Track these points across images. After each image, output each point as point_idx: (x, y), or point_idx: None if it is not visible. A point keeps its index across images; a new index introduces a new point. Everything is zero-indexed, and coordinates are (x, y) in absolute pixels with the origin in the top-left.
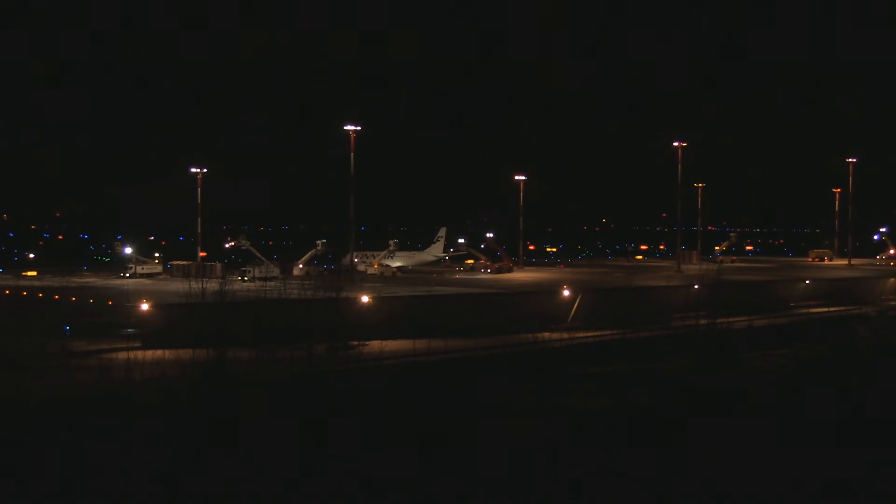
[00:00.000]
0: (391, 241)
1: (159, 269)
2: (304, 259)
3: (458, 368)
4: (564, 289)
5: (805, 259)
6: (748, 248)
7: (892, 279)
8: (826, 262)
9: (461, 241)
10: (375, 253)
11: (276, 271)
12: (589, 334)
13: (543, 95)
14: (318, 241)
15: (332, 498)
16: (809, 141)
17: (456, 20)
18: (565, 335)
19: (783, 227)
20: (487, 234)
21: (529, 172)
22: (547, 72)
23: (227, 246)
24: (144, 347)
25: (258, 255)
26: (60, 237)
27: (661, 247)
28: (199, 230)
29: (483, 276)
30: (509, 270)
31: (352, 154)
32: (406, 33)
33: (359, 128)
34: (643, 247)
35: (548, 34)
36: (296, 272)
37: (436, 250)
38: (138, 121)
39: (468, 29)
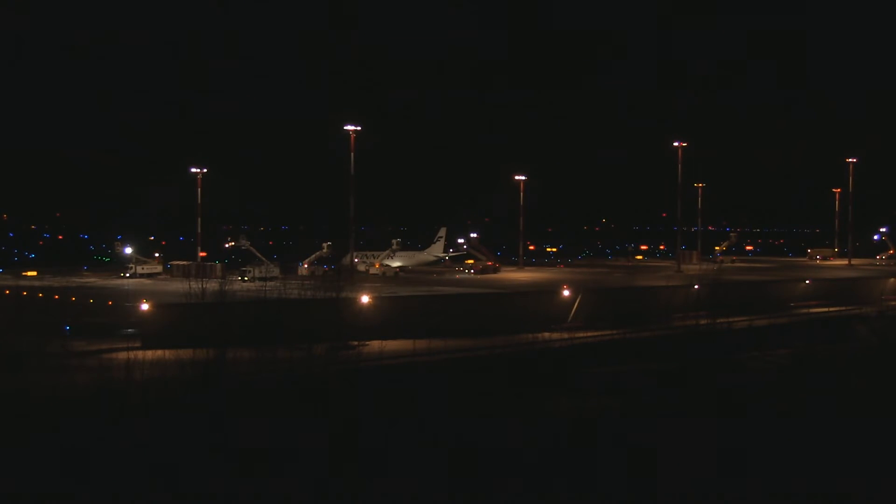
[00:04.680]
0: (394, 241)
1: (159, 269)
2: (308, 260)
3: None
4: (564, 289)
5: (805, 259)
6: (748, 248)
7: (892, 279)
8: (830, 262)
9: (461, 241)
10: (376, 253)
11: (276, 271)
12: (589, 334)
13: (543, 95)
14: (324, 244)
15: None
16: (810, 141)
17: (455, 20)
18: (565, 335)
19: (783, 227)
20: (472, 234)
21: (529, 172)
22: (546, 71)
23: (227, 246)
24: (144, 347)
25: (258, 255)
26: (60, 237)
27: (661, 247)
28: (199, 230)
29: (470, 276)
30: (495, 271)
31: (352, 154)
32: (405, 33)
33: (359, 128)
34: (643, 247)
35: (548, 34)
36: (300, 272)
37: (436, 250)
38: (139, 121)
39: (467, 29)
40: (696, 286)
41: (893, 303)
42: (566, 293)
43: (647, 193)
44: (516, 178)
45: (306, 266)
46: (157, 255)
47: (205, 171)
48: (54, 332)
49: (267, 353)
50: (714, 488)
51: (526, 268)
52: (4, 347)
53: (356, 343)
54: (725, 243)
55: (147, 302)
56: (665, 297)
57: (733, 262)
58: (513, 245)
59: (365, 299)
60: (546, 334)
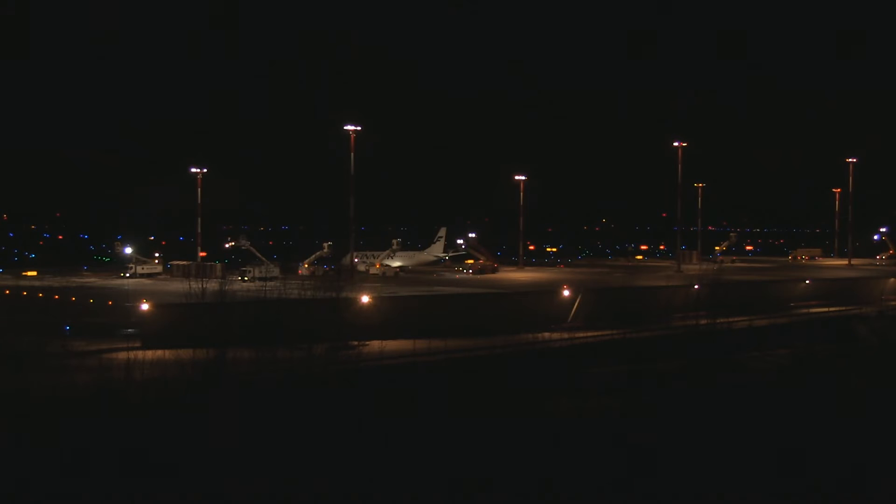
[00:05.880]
0: (394, 241)
1: (159, 269)
2: (308, 260)
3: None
4: (564, 289)
5: (788, 259)
6: (748, 248)
7: (892, 279)
8: (817, 262)
9: (460, 241)
10: (376, 253)
11: (276, 271)
12: (589, 334)
13: (543, 95)
14: (325, 244)
15: None
16: (810, 141)
17: (455, 20)
18: (565, 335)
19: (783, 227)
20: (471, 235)
21: (530, 172)
22: (546, 71)
23: (227, 246)
24: (144, 347)
25: (258, 255)
26: (60, 237)
27: (661, 247)
28: (199, 230)
29: (469, 276)
30: (494, 271)
31: (352, 154)
32: (405, 33)
33: (359, 128)
34: (643, 247)
35: (548, 34)
36: (300, 272)
37: (436, 250)
38: (139, 121)
39: (467, 29)
40: (696, 286)
41: (893, 303)
42: (566, 293)
43: (647, 193)
44: (516, 178)
45: (306, 266)
46: (156, 255)
47: (205, 171)
48: (54, 332)
49: (267, 353)
50: (715, 488)
51: (526, 268)
52: (5, 347)
53: (356, 343)
54: (725, 243)
55: (147, 302)
56: (665, 297)
57: (733, 262)
58: (513, 245)
59: (365, 299)
60: (546, 334)
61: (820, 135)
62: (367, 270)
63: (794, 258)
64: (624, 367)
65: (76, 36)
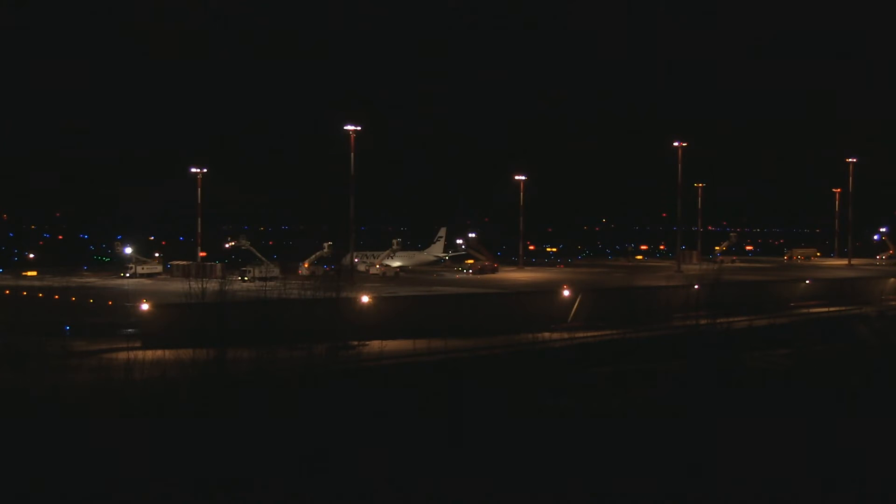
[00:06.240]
0: (394, 241)
1: (159, 269)
2: (309, 259)
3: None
4: (564, 289)
5: (783, 259)
6: (748, 248)
7: (892, 279)
8: (812, 262)
9: (460, 241)
10: (376, 253)
11: (276, 271)
12: (589, 334)
13: (543, 95)
14: (325, 244)
15: None
16: (809, 141)
17: (455, 18)
18: (565, 335)
19: (783, 227)
20: (471, 235)
21: (529, 172)
22: (547, 71)
23: (227, 246)
24: (144, 347)
25: (258, 255)
26: (60, 237)
27: (661, 247)
28: (199, 230)
29: (469, 276)
30: (493, 271)
31: (352, 154)
32: (405, 33)
33: (359, 128)
34: (643, 247)
35: (549, 34)
36: (300, 272)
37: (436, 250)
38: (139, 121)
39: (467, 28)
40: (696, 286)
41: (893, 303)
42: (566, 293)
43: (647, 193)
44: (516, 178)
45: (306, 266)
46: (157, 255)
47: (205, 171)
48: (54, 332)
49: (267, 353)
50: (715, 488)
51: (526, 268)
52: (5, 347)
53: (356, 343)
54: (725, 243)
55: (147, 302)
56: (665, 297)
57: (733, 262)
58: (513, 245)
59: (365, 299)
60: (546, 334)
61: (819, 135)
62: (367, 270)
63: (790, 258)
64: (623, 367)
65: (76, 35)
